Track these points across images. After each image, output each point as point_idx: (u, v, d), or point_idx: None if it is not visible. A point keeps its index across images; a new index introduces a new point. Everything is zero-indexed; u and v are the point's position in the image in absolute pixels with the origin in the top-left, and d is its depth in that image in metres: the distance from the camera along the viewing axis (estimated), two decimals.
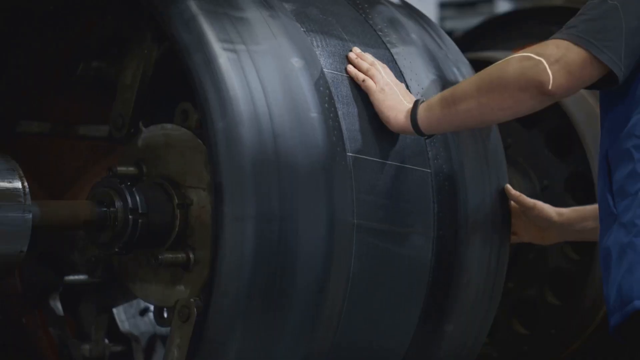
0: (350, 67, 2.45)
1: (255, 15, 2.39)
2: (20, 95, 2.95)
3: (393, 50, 2.58)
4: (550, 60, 2.11)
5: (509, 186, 2.71)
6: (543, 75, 2.11)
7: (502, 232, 2.64)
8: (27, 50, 2.89)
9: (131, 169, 2.59)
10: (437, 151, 2.51)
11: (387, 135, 2.44)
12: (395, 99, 2.40)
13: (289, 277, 2.24)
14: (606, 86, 2.18)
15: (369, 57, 2.48)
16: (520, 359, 3.97)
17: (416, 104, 2.37)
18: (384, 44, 2.59)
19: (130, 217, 2.48)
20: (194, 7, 2.33)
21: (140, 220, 2.49)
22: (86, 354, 3.02)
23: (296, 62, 2.36)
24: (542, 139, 3.84)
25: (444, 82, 2.61)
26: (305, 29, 2.46)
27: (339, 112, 2.37)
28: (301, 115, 2.30)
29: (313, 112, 2.32)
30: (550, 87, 2.11)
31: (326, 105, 2.35)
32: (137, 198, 2.50)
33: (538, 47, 2.14)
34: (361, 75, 2.43)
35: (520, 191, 4.17)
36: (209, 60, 2.27)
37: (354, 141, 2.37)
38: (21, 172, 2.45)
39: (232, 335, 2.23)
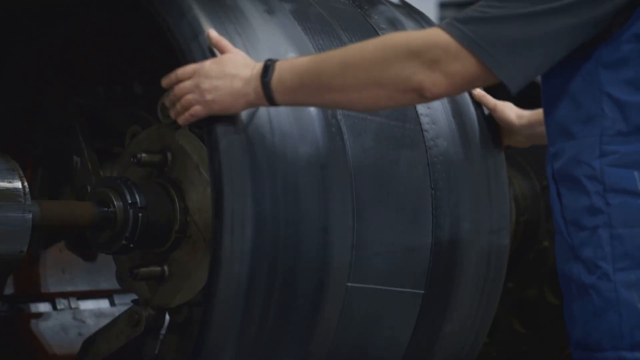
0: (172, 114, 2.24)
1: (253, 15, 2.39)
2: None
3: None
4: (434, 67, 1.90)
5: (477, 90, 2.65)
6: (425, 83, 1.91)
7: (501, 228, 2.64)
8: None
9: (156, 157, 2.54)
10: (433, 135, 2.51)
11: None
12: (229, 89, 2.15)
13: (288, 278, 2.24)
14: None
15: (169, 77, 2.23)
16: (520, 359, 3.97)
17: (265, 83, 2.10)
18: None
19: (130, 217, 2.48)
20: (192, 6, 2.33)
21: (140, 221, 2.49)
22: None
23: None
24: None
25: None
26: (304, 29, 2.45)
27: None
28: (300, 113, 2.30)
29: (312, 108, 2.32)
30: (430, 95, 1.93)
31: None
32: (138, 199, 2.49)
33: (424, 41, 1.91)
34: (183, 114, 2.20)
35: (520, 192, 4.16)
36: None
37: (353, 138, 2.37)
38: (21, 172, 2.45)
39: (231, 338, 2.22)
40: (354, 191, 2.33)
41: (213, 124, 2.20)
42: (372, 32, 2.60)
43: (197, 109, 2.19)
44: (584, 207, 1.94)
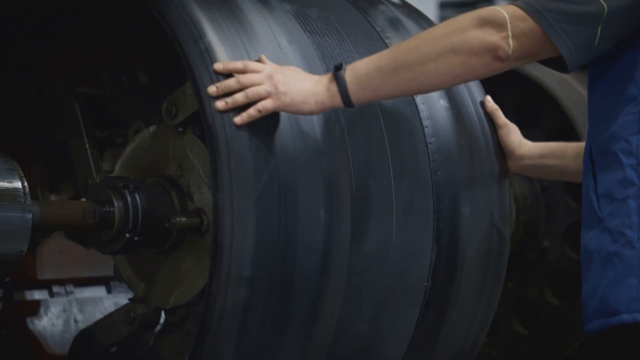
0: (222, 103, 2.15)
1: (254, 15, 2.39)
2: None
3: None
4: (503, 28, 2.07)
5: (488, 97, 2.67)
6: (498, 43, 2.08)
7: (501, 227, 2.65)
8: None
9: (193, 222, 2.47)
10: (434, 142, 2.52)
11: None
12: (301, 86, 2.17)
13: (289, 274, 2.24)
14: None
15: (235, 64, 2.19)
16: (520, 359, 3.97)
17: (338, 76, 2.16)
18: (385, 44, 2.59)
19: (130, 218, 2.48)
20: (192, 6, 2.33)
21: (140, 222, 2.49)
22: None
23: (296, 63, 2.35)
24: (542, 139, 3.83)
25: None
26: (305, 29, 2.45)
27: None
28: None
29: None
30: (503, 54, 2.08)
31: None
32: (138, 199, 2.50)
33: (493, 10, 2.09)
34: (248, 109, 2.15)
35: (520, 192, 4.15)
36: (207, 59, 2.26)
37: (352, 134, 2.37)
38: (21, 172, 2.45)
39: (232, 336, 2.23)
40: (354, 187, 2.33)
41: (214, 126, 2.20)
42: (372, 32, 2.60)
43: (266, 103, 2.16)
44: (617, 180, 2.08)
